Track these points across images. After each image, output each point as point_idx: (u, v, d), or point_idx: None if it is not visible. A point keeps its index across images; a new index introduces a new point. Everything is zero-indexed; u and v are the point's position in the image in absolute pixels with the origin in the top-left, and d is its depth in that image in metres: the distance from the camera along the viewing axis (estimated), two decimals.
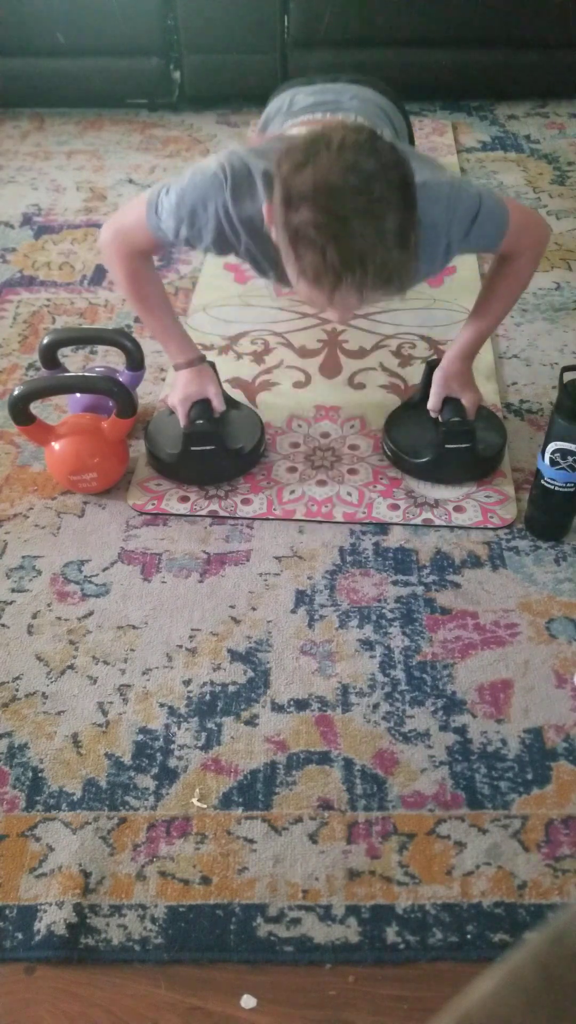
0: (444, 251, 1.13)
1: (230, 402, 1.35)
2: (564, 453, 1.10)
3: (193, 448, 1.26)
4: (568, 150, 2.26)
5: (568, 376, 1.10)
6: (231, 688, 1.04)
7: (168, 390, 1.38)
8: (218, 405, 1.29)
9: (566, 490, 1.14)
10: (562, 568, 1.17)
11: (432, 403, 1.28)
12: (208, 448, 1.26)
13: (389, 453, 1.32)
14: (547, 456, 1.13)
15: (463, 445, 1.25)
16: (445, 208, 1.08)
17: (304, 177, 0.89)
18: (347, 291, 0.93)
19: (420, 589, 1.15)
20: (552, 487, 1.15)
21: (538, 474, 1.16)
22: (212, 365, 1.32)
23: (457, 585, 1.15)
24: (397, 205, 0.91)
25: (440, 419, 1.27)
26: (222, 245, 1.14)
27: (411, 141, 1.60)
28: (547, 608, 1.12)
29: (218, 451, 1.27)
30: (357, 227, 0.89)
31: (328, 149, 0.89)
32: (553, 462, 1.12)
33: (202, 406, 1.27)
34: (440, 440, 1.25)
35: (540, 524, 1.21)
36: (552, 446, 1.11)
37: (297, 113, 1.36)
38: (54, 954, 0.83)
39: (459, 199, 1.09)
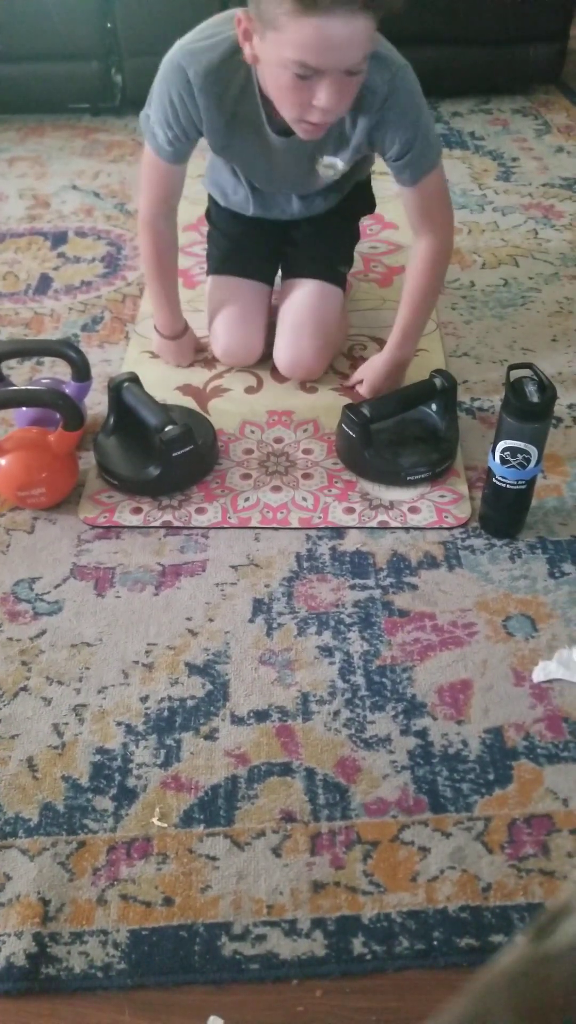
0: (377, 105, 1.17)
1: (167, 407, 1.33)
2: (514, 451, 1.11)
3: (175, 454, 1.24)
4: (512, 146, 2.27)
5: (515, 374, 1.10)
6: (189, 702, 1.03)
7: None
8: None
9: (518, 488, 1.15)
10: (517, 565, 1.17)
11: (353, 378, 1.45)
12: (188, 449, 1.25)
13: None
14: (497, 455, 1.13)
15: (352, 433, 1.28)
16: (389, 79, 1.16)
17: None
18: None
19: (378, 592, 1.14)
20: (504, 485, 1.15)
21: (490, 472, 1.16)
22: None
23: (414, 587, 1.15)
24: None
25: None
26: (208, 112, 1.18)
27: None
28: (503, 606, 1.12)
29: (194, 450, 1.26)
30: None
31: None
32: (503, 460, 1.12)
33: (165, 411, 1.27)
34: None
35: (494, 522, 1.21)
36: (502, 444, 1.11)
37: None
38: (14, 986, 0.80)
39: (409, 82, 1.18)
